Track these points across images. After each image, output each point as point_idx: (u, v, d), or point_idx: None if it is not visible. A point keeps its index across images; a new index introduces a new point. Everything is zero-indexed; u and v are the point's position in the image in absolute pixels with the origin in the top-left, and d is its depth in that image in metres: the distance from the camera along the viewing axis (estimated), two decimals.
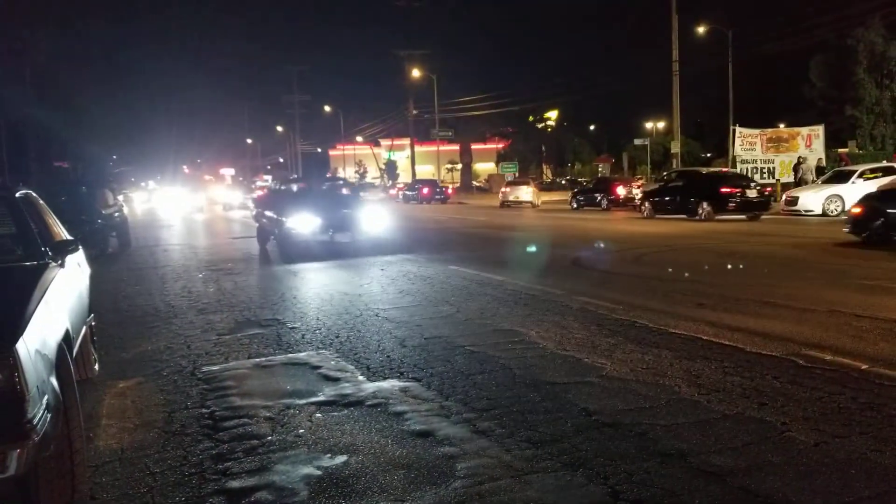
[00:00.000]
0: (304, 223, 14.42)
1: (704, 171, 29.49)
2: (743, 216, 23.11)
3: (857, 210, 14.54)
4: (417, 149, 69.32)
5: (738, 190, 23.20)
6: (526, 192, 39.04)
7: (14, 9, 34.72)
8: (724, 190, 23.15)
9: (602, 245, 15.47)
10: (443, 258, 13.59)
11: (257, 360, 6.30)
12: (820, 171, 29.36)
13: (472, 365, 5.81)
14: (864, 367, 5.36)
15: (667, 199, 25.37)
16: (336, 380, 5.53)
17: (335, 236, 14.67)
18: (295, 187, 19.62)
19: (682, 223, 22.33)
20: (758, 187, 24.05)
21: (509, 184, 43.57)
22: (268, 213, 16.62)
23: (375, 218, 15.57)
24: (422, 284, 10.41)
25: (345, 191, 19.57)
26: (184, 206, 46.22)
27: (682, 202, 24.37)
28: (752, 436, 4.09)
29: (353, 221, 14.99)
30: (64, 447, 3.31)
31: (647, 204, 26.24)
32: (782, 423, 4.27)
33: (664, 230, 19.70)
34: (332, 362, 6.08)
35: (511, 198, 39.10)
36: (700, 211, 23.25)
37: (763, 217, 23.18)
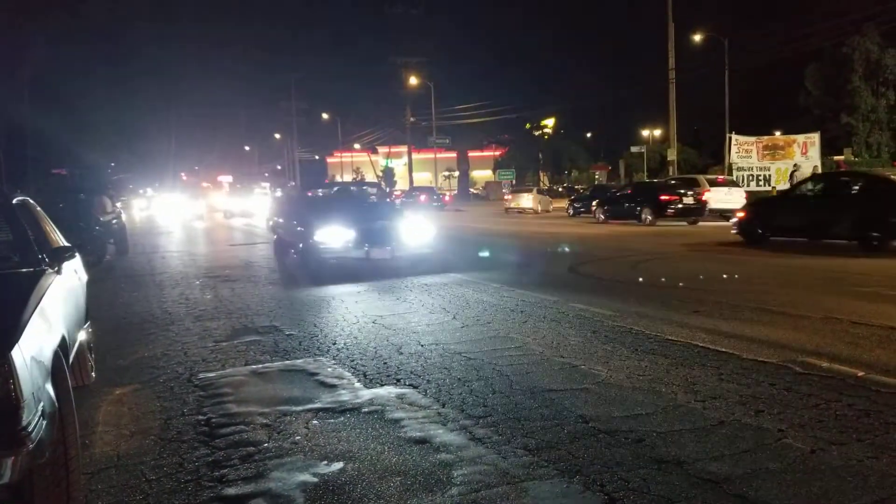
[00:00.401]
0: (334, 236, 12.15)
1: (648, 180, 35.51)
2: (684, 221, 25.52)
3: (741, 215, 17.43)
4: (415, 156, 69.42)
5: (675, 197, 25.91)
6: (527, 199, 41.06)
7: (13, 15, 34.76)
8: (663, 198, 25.97)
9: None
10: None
11: (254, 366, 6.29)
12: None
13: (469, 372, 5.81)
14: (860, 374, 5.37)
15: (617, 206, 28.16)
16: (333, 386, 5.53)
17: (372, 252, 12.16)
18: (320, 193, 17.72)
19: (629, 227, 24.99)
20: (695, 195, 26.26)
21: (513, 191, 46.48)
22: (288, 223, 14.72)
23: (419, 229, 13.05)
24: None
25: (374, 197, 16.85)
26: (183, 214, 45.42)
27: (630, 209, 27.02)
28: (749, 443, 4.09)
29: (392, 234, 12.54)
30: (59, 454, 3.30)
31: (600, 211, 28.98)
32: (779, 430, 4.28)
33: (606, 232, 23.18)
34: (329, 369, 6.07)
35: (513, 204, 41.36)
36: (644, 217, 25.96)
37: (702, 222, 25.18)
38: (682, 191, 26.31)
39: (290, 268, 13.69)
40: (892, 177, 16.93)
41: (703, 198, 26.07)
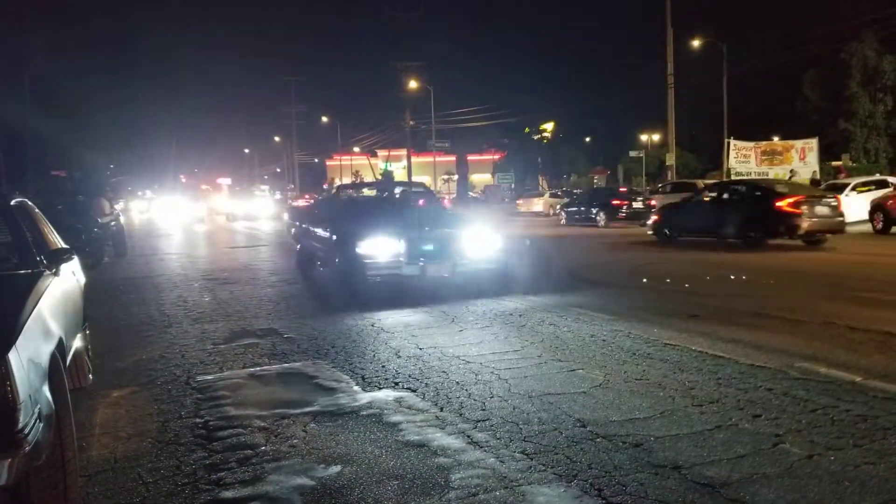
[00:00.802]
0: (381, 248, 10.06)
1: (604, 187, 42.88)
2: (635, 223, 27.05)
3: (655, 218, 20.08)
4: (414, 159, 69.45)
5: (625, 202, 30.17)
6: (538, 203, 43.72)
7: (13, 16, 34.76)
8: (614, 202, 30.30)
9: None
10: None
11: (252, 369, 6.28)
12: (816, 183, 29.45)
13: (467, 376, 5.81)
14: (858, 379, 5.37)
15: (576, 210, 31.98)
16: (331, 390, 5.53)
17: (428, 268, 10.12)
18: (357, 194, 15.37)
19: (585, 229, 27.93)
20: (643, 200, 29.91)
21: (525, 196, 49.52)
22: (318, 232, 12.54)
23: (485, 239, 10.78)
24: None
25: (421, 201, 14.13)
26: (184, 216, 44.49)
27: (587, 212, 30.71)
28: (747, 448, 4.09)
29: (453, 245, 10.41)
30: (56, 457, 3.30)
31: (563, 214, 32.90)
32: (776, 434, 4.27)
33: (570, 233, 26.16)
34: (328, 372, 6.07)
35: (524, 208, 43.71)
36: (598, 219, 29.45)
37: None
38: (632, 196, 30.58)
39: (319, 284, 12.16)
40: (770, 185, 20.29)
41: (652, 202, 28.28)
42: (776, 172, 31.69)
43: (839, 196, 19.42)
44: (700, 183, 29.46)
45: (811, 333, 7.08)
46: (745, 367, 5.79)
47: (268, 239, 25.13)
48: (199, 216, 43.73)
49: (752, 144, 34.16)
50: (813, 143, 33.77)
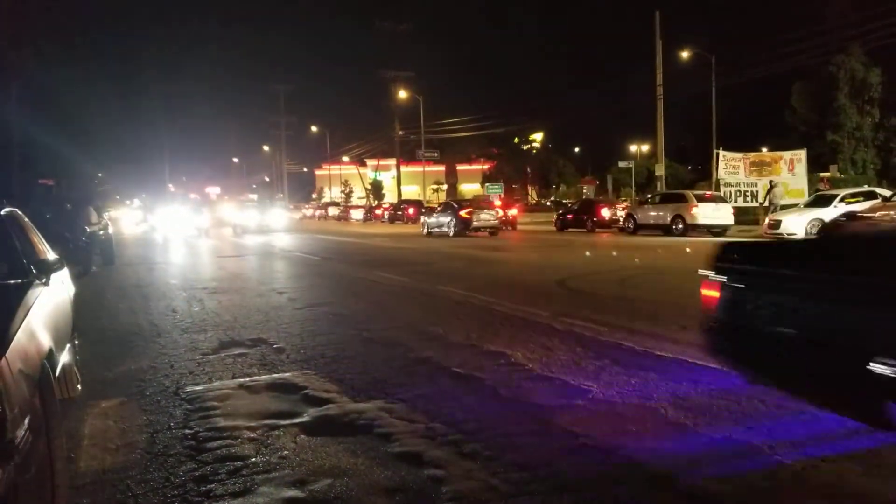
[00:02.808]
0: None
1: (593, 198, 45.45)
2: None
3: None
4: (403, 169, 69.58)
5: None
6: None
7: (3, 24, 34.62)
8: (602, 211, 33.67)
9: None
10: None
11: (241, 380, 6.24)
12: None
13: (457, 387, 5.79)
14: None
15: (569, 217, 35.23)
16: (321, 400, 5.50)
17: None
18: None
19: (578, 235, 30.94)
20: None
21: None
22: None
23: None
24: None
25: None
26: (183, 228, 36.98)
27: (578, 219, 34.29)
28: (740, 459, 4.09)
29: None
30: (45, 468, 3.26)
31: (558, 221, 36.08)
32: (769, 446, 4.28)
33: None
34: (317, 382, 6.04)
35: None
36: (588, 225, 33.07)
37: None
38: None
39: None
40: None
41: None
42: (765, 183, 31.80)
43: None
44: (689, 193, 29.56)
45: None
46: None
47: (296, 257, 23.82)
48: (202, 227, 36.85)
49: (741, 155, 34.32)
50: (801, 154, 33.97)
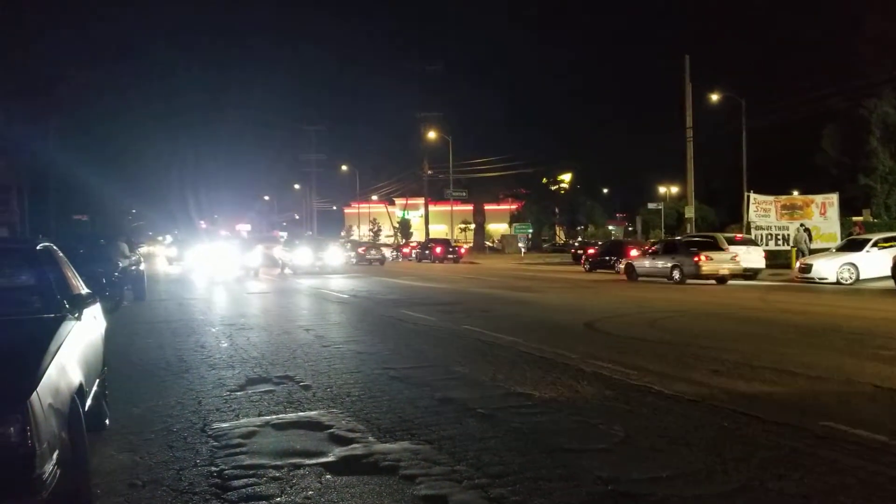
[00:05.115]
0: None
1: (622, 239, 47.55)
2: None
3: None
4: (431, 208, 69.98)
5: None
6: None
7: (42, 63, 35.66)
8: (630, 252, 31.12)
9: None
10: None
11: (268, 417, 6.24)
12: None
13: (484, 428, 5.73)
14: (884, 438, 5.25)
15: (599, 259, 36.06)
16: (347, 440, 5.46)
17: None
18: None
19: (607, 275, 31.06)
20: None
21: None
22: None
23: None
24: None
25: None
26: (228, 268, 31.45)
27: (604, 261, 35.03)
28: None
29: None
30: (73, 503, 3.27)
31: (587, 263, 36.70)
32: (802, 495, 4.17)
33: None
34: (343, 421, 6.01)
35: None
36: (617, 268, 31.74)
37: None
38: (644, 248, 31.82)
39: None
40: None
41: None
42: (796, 227, 31.42)
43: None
44: (719, 236, 29.27)
45: (832, 391, 6.95)
46: (770, 426, 5.69)
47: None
48: (252, 267, 31.99)
49: (772, 198, 33.98)
50: (833, 197, 33.57)
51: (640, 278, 26.88)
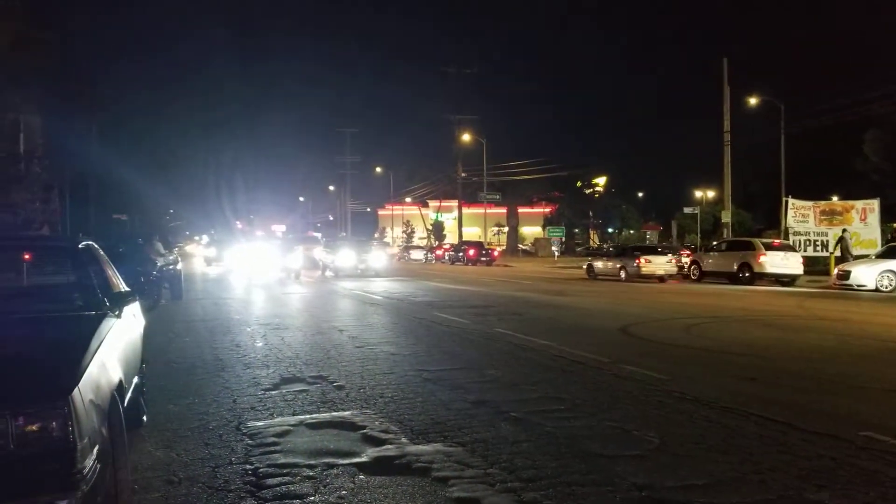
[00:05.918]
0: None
1: (657, 244, 46.04)
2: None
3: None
4: (465, 210, 69.88)
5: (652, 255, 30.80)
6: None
7: (86, 63, 36.28)
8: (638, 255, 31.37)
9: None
10: None
11: (302, 416, 6.28)
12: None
13: (517, 431, 5.72)
14: None
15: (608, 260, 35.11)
16: (380, 441, 5.48)
17: None
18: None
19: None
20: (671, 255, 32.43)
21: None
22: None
23: None
24: None
25: None
26: (268, 269, 32.15)
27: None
28: None
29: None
30: (111, 498, 3.32)
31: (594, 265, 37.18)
32: None
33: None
34: (376, 422, 6.03)
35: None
36: (620, 274, 31.66)
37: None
38: (657, 250, 33.07)
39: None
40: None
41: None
42: (835, 233, 30.87)
43: None
44: (757, 241, 28.88)
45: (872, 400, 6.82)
46: (809, 435, 5.59)
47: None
48: (293, 270, 31.12)
49: (810, 203, 33.40)
50: (874, 204, 32.87)
51: (598, 277, 31.14)
